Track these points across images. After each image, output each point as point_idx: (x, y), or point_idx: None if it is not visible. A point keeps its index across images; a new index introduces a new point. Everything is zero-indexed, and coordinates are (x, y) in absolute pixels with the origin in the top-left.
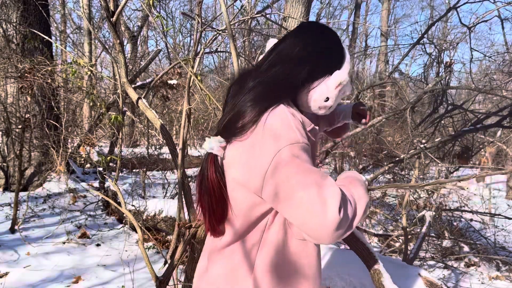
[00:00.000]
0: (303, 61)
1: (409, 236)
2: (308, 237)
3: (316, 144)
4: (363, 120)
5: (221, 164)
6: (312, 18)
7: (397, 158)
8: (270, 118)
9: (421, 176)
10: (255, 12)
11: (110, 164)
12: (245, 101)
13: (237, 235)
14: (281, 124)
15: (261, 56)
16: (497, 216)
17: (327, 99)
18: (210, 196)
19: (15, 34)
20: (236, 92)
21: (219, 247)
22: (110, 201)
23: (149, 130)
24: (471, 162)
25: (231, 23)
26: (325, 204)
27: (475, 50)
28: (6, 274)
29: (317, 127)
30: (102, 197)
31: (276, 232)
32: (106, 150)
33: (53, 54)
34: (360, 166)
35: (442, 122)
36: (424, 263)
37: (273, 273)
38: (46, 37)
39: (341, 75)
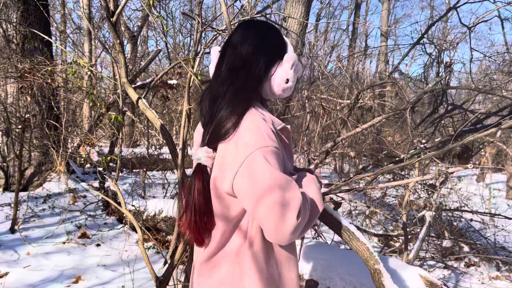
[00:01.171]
0: (257, 56)
1: (409, 236)
2: (267, 236)
3: (289, 144)
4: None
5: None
6: (312, 18)
7: (397, 158)
8: (244, 124)
9: (421, 176)
10: (255, 12)
11: (110, 164)
12: (221, 110)
13: (221, 242)
14: (252, 129)
15: (212, 66)
16: (497, 216)
17: (287, 80)
18: (195, 211)
19: (15, 34)
20: (209, 105)
21: (205, 258)
22: (110, 201)
23: (149, 130)
24: (471, 162)
25: (231, 23)
26: (285, 208)
27: (475, 50)
28: (6, 274)
29: (288, 126)
30: (102, 197)
31: (259, 229)
32: (106, 150)
33: (53, 54)
34: (360, 166)
35: (442, 122)
36: (424, 263)
37: (263, 272)
38: (46, 37)
39: (291, 56)
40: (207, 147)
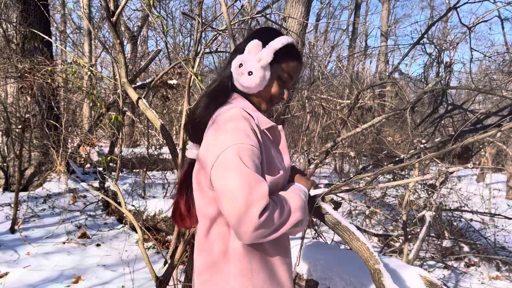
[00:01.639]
0: (235, 52)
1: (409, 236)
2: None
3: (279, 142)
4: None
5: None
6: (312, 18)
7: (397, 158)
8: (221, 120)
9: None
10: (255, 12)
11: (110, 164)
12: (199, 105)
13: (210, 221)
14: (230, 126)
15: None
16: (497, 216)
17: (241, 65)
18: (178, 197)
19: (15, 34)
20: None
21: (201, 239)
22: (110, 201)
23: (149, 130)
24: (471, 161)
25: (231, 23)
26: (249, 206)
27: (475, 50)
28: (6, 274)
29: (279, 126)
30: (102, 197)
31: None
32: (106, 150)
33: (53, 54)
34: (360, 166)
35: (442, 122)
36: (424, 263)
37: (248, 256)
38: (46, 37)
39: (254, 44)
40: (190, 140)
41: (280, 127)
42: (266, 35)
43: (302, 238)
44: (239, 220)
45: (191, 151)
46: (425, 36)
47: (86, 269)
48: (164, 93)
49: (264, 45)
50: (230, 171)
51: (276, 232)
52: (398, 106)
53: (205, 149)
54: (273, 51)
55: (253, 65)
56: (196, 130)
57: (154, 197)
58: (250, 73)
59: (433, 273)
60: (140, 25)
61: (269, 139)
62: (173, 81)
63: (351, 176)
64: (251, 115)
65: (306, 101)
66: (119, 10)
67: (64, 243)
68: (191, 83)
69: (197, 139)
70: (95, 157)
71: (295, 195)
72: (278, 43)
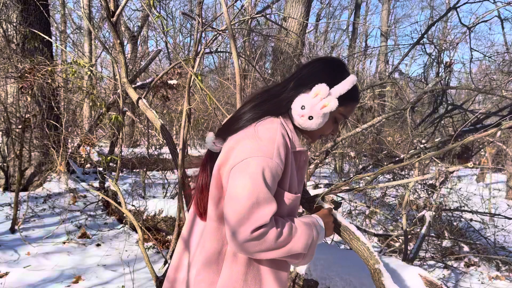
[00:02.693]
0: (295, 77)
1: (409, 236)
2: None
3: (302, 167)
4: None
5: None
6: (312, 18)
7: (397, 158)
8: (261, 127)
9: (421, 176)
10: (255, 12)
11: (110, 164)
12: (243, 110)
13: (219, 217)
14: (266, 136)
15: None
16: (497, 216)
17: (303, 107)
18: (197, 189)
19: (15, 34)
20: (242, 106)
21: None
22: (110, 201)
23: (149, 130)
24: (471, 161)
25: (231, 23)
26: (247, 219)
27: (475, 50)
28: (6, 274)
29: (307, 151)
30: (102, 197)
31: None
32: (106, 150)
33: (53, 54)
34: (360, 166)
35: (442, 122)
36: (424, 263)
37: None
38: (46, 37)
39: (320, 88)
40: (212, 133)
41: (308, 153)
42: (334, 73)
43: None
44: (233, 226)
45: (212, 144)
46: (425, 36)
47: (86, 269)
48: (164, 93)
49: (330, 86)
50: (246, 179)
51: (267, 252)
52: (398, 106)
53: (235, 143)
54: (337, 96)
55: (316, 111)
56: (229, 133)
57: (154, 197)
58: (310, 117)
59: (433, 273)
60: (140, 25)
61: (294, 160)
62: (173, 81)
63: (351, 176)
64: (288, 134)
65: None
66: (119, 10)
67: (64, 243)
68: (191, 83)
69: (224, 136)
70: (95, 157)
71: (308, 230)
72: (343, 88)
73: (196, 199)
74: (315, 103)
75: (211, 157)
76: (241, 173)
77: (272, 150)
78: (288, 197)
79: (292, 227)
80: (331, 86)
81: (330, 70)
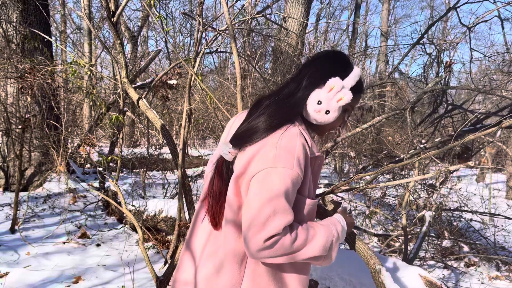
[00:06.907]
0: (305, 75)
1: (409, 236)
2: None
3: (317, 171)
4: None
5: (231, 169)
6: (312, 18)
7: (397, 158)
8: (281, 137)
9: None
10: (255, 13)
11: (110, 164)
12: (259, 117)
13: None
14: (287, 146)
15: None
16: (497, 216)
17: (320, 102)
18: (213, 197)
19: (15, 34)
20: (252, 111)
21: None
22: (111, 201)
23: (149, 130)
24: (471, 161)
25: (232, 23)
26: (262, 229)
27: (475, 50)
28: (6, 274)
29: (323, 156)
30: (102, 197)
31: None
32: (106, 150)
33: (53, 54)
34: (360, 166)
35: (442, 122)
36: (424, 263)
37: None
38: (46, 37)
39: (334, 81)
40: (229, 142)
41: (323, 157)
42: (343, 67)
43: None
44: (248, 235)
45: (224, 148)
46: (425, 36)
47: (86, 269)
48: (164, 93)
49: (342, 79)
50: (266, 189)
51: (282, 257)
52: (398, 106)
53: (255, 152)
54: (349, 88)
55: (332, 105)
56: (246, 142)
57: (154, 197)
58: (327, 112)
59: (433, 273)
60: (140, 25)
61: (312, 167)
62: (173, 81)
63: (351, 176)
64: (307, 142)
65: None
66: (119, 10)
67: (64, 243)
68: (191, 83)
69: (240, 146)
70: (95, 157)
71: (326, 232)
72: (352, 80)
73: (211, 207)
74: (331, 97)
75: (227, 164)
76: (261, 183)
77: (293, 160)
78: (308, 203)
79: (309, 231)
80: (343, 79)
81: (340, 64)
